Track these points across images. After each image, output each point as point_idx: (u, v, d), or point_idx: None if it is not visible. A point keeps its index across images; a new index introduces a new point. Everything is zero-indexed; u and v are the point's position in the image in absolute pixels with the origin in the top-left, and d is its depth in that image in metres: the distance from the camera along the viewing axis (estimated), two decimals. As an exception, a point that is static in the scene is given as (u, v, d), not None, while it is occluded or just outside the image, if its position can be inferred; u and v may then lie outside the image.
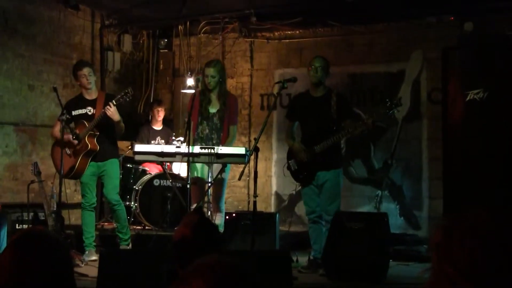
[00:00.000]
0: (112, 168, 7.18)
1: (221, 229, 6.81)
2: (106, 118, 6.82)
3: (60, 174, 6.73)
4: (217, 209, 6.93)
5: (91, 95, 7.13)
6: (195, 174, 6.87)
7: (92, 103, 7.06)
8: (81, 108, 7.09)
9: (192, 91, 8.42)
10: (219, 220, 6.87)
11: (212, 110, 6.92)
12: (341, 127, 6.54)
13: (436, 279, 1.46)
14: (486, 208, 1.47)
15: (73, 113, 7.07)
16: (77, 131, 6.96)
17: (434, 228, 1.54)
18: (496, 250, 1.40)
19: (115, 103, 6.76)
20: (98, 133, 6.96)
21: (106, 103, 6.82)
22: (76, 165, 6.95)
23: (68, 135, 6.89)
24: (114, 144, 7.29)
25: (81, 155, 6.95)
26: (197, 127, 6.86)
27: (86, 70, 7.03)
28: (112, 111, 6.77)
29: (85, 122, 6.96)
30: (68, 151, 7.00)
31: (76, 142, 6.94)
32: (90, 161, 7.01)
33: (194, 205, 6.76)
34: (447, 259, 1.43)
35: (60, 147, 6.83)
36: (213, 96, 6.93)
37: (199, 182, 6.91)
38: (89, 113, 7.02)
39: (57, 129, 7.02)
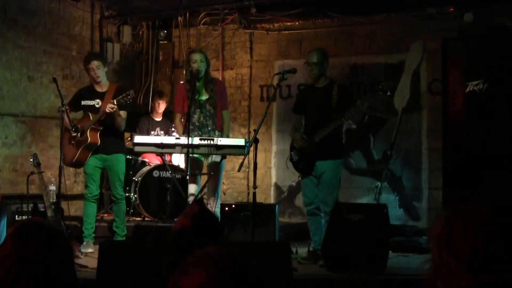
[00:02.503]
0: (118, 163, 7.23)
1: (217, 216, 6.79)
2: (109, 114, 6.85)
3: (60, 164, 6.80)
4: (213, 195, 6.91)
5: (102, 87, 7.16)
6: (193, 156, 6.82)
7: (101, 96, 7.08)
8: (90, 99, 7.13)
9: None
10: (214, 205, 6.83)
11: (202, 98, 6.93)
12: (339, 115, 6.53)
13: (437, 269, 1.46)
14: (488, 199, 1.47)
15: (82, 103, 7.16)
16: (81, 123, 7.03)
17: (435, 219, 1.54)
18: (498, 241, 1.41)
19: (115, 103, 6.77)
20: (101, 128, 6.98)
21: (115, 97, 6.85)
22: (76, 156, 7.02)
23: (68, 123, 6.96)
24: (120, 139, 7.31)
25: (82, 147, 6.99)
26: (192, 116, 6.83)
27: (94, 64, 7.04)
28: (114, 110, 6.79)
29: (90, 115, 7.01)
30: (72, 141, 7.04)
31: (76, 134, 6.96)
32: (95, 153, 7.06)
33: (191, 186, 6.74)
34: (448, 249, 1.44)
35: (66, 135, 7.04)
36: (200, 85, 6.91)
37: (196, 165, 6.90)
38: (97, 106, 7.05)
39: (66, 117, 7.02)
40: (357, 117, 6.52)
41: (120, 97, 6.81)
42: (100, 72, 7.07)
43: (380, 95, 6.45)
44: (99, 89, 7.16)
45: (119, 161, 7.25)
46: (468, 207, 1.48)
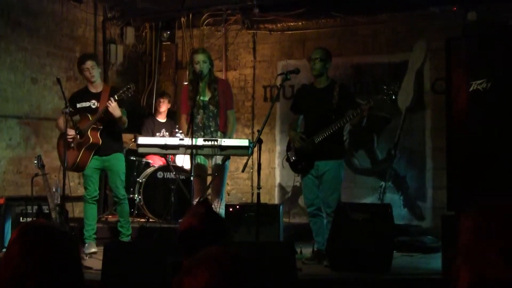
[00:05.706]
0: (117, 163, 7.20)
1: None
2: (108, 113, 6.82)
3: (64, 167, 6.78)
4: (217, 196, 6.87)
5: (96, 88, 7.13)
6: (197, 161, 6.82)
7: (97, 96, 7.05)
8: (85, 101, 7.09)
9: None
10: (218, 206, 6.80)
11: (205, 98, 6.85)
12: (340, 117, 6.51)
13: (471, 260, 1.46)
14: None
15: (78, 105, 7.09)
16: (80, 125, 6.96)
17: (465, 213, 1.54)
18: None
19: (117, 98, 6.75)
20: (101, 127, 6.96)
21: (110, 97, 6.81)
22: (78, 158, 6.96)
23: (72, 130, 6.89)
24: (118, 139, 7.28)
25: (83, 148, 6.94)
26: (196, 117, 6.78)
27: (88, 64, 7.02)
28: (113, 107, 6.75)
29: (89, 116, 6.97)
30: (72, 144, 6.98)
31: (78, 137, 6.94)
32: (94, 155, 7.02)
33: (197, 199, 6.73)
34: (487, 241, 1.44)
35: (61, 142, 6.92)
36: (203, 85, 6.84)
37: (201, 170, 6.87)
38: (93, 106, 7.02)
39: (61, 121, 7.01)
40: (355, 120, 6.48)
41: (121, 91, 6.80)
42: (94, 72, 7.05)
43: (384, 99, 6.45)
44: (93, 90, 7.13)
45: (119, 160, 7.23)
46: (503, 203, 1.49)
